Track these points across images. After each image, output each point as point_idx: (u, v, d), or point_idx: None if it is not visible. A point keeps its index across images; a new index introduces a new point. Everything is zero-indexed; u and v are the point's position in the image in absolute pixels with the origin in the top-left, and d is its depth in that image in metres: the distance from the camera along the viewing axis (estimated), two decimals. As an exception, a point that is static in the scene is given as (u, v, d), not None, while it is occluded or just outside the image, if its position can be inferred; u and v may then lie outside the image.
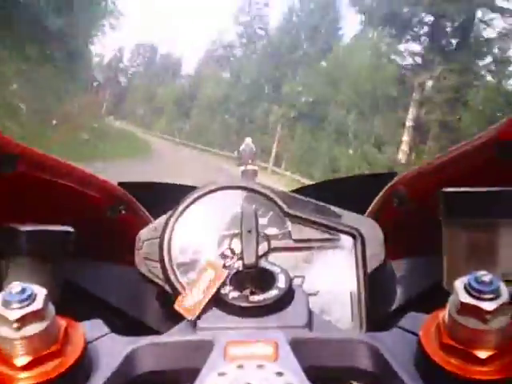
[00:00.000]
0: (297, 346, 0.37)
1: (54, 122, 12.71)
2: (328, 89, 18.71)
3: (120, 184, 0.71)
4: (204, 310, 0.42)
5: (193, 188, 0.67)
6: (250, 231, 0.49)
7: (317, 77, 19.79)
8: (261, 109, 22.84)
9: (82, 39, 17.17)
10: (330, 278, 0.60)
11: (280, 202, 0.63)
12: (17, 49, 12.96)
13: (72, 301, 0.45)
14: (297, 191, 0.75)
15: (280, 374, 0.32)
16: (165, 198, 0.68)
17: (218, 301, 0.42)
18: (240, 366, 0.33)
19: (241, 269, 0.46)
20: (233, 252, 0.50)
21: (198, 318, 0.41)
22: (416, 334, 0.36)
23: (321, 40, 23.74)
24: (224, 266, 0.46)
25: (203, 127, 27.49)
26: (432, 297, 0.44)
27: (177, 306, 0.43)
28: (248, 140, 12.67)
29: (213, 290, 0.43)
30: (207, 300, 0.42)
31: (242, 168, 11.15)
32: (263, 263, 0.47)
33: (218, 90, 26.67)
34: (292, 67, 22.69)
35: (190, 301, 0.42)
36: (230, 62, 33.42)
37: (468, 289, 0.33)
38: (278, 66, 23.44)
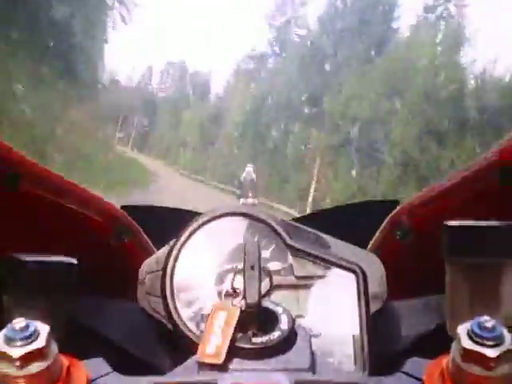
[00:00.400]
0: None
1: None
2: (384, 101, 13.47)
3: (123, 207, 0.75)
4: (229, 351, 0.44)
5: (195, 213, 0.71)
6: (252, 267, 0.50)
7: (367, 84, 14.90)
8: (295, 134, 18.65)
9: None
10: (332, 318, 0.62)
11: (283, 233, 0.66)
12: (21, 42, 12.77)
13: (74, 337, 0.47)
14: (299, 219, 0.79)
15: None
16: (167, 222, 0.70)
17: None
18: None
19: (243, 308, 0.48)
20: (235, 291, 0.52)
21: (226, 360, 0.43)
22: (420, 379, 0.39)
23: (372, 36, 18.79)
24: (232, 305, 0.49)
25: (225, 161, 24.48)
26: (437, 338, 0.46)
27: (200, 358, 0.43)
28: (249, 168, 10.60)
29: (231, 330, 0.45)
30: (228, 341, 0.44)
31: (242, 201, 8.61)
32: (266, 303, 0.50)
33: (242, 115, 23.87)
34: (335, 74, 18.22)
35: (212, 348, 0.44)
36: (260, 77, 30.88)
37: (471, 335, 0.35)
38: (319, 73, 19.28)
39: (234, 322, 0.46)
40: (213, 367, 0.43)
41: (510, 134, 0.53)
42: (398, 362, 0.43)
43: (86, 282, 0.54)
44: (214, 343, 0.44)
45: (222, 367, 0.43)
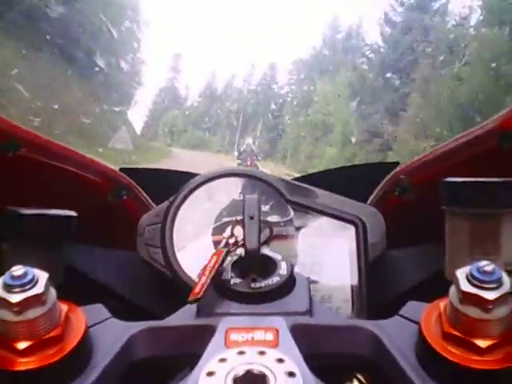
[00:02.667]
0: (297, 332, 0.40)
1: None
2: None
3: (121, 170, 0.75)
4: (206, 290, 0.44)
5: (195, 175, 0.70)
6: (252, 217, 0.50)
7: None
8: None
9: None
10: (332, 267, 0.63)
11: (282, 190, 0.67)
12: (17, 35, 13.45)
13: (73, 285, 0.48)
14: (299, 179, 0.79)
15: (280, 360, 0.34)
16: (166, 184, 0.71)
17: (219, 286, 0.46)
18: (241, 353, 0.35)
19: (243, 255, 0.49)
20: (235, 239, 0.52)
21: (199, 300, 0.43)
22: (417, 323, 0.39)
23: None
24: (227, 253, 0.49)
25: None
26: (433, 285, 0.47)
27: (190, 299, 0.44)
28: (249, 140, 13.06)
29: (215, 268, 0.46)
30: (209, 280, 0.45)
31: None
32: (265, 250, 0.50)
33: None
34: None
35: (198, 287, 0.44)
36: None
37: (470, 278, 0.35)
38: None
39: (219, 261, 0.46)
40: (211, 312, 0.43)
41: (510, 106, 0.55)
42: (396, 307, 0.43)
43: (86, 235, 0.55)
44: (201, 283, 0.45)
45: (220, 311, 0.43)
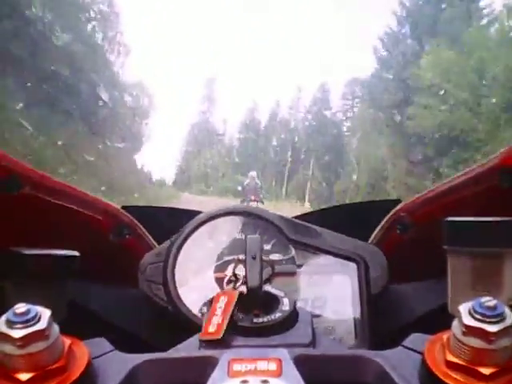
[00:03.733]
0: (301, 362, 0.40)
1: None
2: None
3: (124, 208, 0.76)
4: (231, 330, 0.45)
5: (197, 213, 0.71)
6: (254, 257, 0.51)
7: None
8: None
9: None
10: (334, 301, 0.63)
11: (284, 229, 0.67)
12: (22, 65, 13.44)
13: (75, 320, 0.48)
14: (300, 217, 0.78)
15: None
16: (169, 222, 0.71)
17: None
18: (244, 382, 0.36)
19: (245, 292, 0.49)
20: (236, 277, 0.53)
21: (228, 338, 0.44)
22: (420, 353, 0.39)
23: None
24: (240, 295, 0.49)
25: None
26: (436, 319, 0.47)
27: (203, 337, 0.45)
28: (252, 174, 12.74)
29: (230, 310, 0.46)
30: (228, 319, 0.45)
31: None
32: (267, 288, 0.50)
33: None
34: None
35: (213, 326, 0.45)
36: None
37: (472, 313, 0.35)
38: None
39: (233, 303, 0.46)
40: (214, 344, 0.43)
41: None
42: (399, 340, 0.43)
43: (87, 273, 0.55)
44: (214, 323, 0.45)
45: (224, 344, 0.43)
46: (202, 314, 0.52)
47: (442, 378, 0.35)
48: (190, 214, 0.71)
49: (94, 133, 17.59)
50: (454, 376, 0.35)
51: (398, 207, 0.72)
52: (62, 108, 15.45)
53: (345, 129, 40.72)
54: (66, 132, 14.31)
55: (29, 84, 13.94)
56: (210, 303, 0.48)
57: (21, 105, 12.57)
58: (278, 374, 0.37)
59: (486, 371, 0.34)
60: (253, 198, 11.70)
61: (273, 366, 0.38)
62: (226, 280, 0.53)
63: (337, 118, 41.37)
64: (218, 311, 0.46)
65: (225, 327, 0.44)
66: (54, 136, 13.43)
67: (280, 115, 46.36)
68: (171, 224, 0.71)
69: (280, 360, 0.39)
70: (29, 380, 0.34)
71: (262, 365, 0.38)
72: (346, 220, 0.81)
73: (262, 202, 11.58)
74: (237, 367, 0.38)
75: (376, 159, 22.35)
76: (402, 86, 21.22)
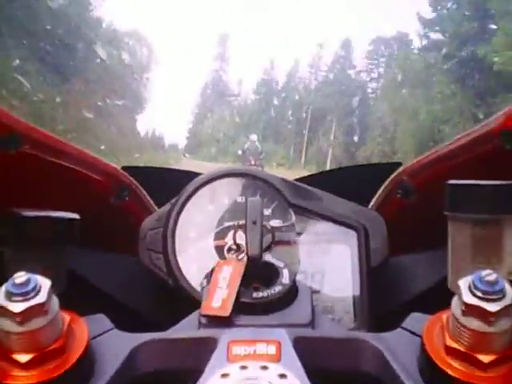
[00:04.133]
0: (300, 345, 0.40)
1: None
2: None
3: (124, 168, 0.75)
4: (236, 305, 0.44)
5: (197, 174, 0.70)
6: (254, 223, 0.50)
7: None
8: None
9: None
10: (334, 275, 0.63)
11: (285, 192, 0.66)
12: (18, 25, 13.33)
13: (74, 291, 0.47)
14: (301, 180, 0.77)
15: (283, 376, 0.35)
16: (169, 183, 0.71)
17: None
18: (243, 367, 0.35)
19: (245, 262, 0.48)
20: (237, 245, 0.53)
21: (232, 313, 0.43)
22: (419, 336, 0.39)
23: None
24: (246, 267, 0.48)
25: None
26: (437, 293, 0.47)
27: (205, 311, 0.44)
28: (253, 137, 12.22)
29: (237, 284, 0.45)
30: (235, 294, 0.44)
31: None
32: (267, 257, 0.50)
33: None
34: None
35: (217, 301, 0.44)
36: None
37: (472, 289, 0.35)
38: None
39: (239, 276, 0.46)
40: (213, 324, 0.43)
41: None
42: (399, 318, 0.43)
43: (87, 238, 0.54)
44: (219, 296, 0.44)
45: (223, 323, 0.43)
46: (203, 288, 0.51)
47: (440, 366, 0.35)
48: (190, 175, 0.70)
49: (93, 90, 17.38)
50: (453, 364, 0.35)
51: (400, 170, 0.71)
52: (59, 65, 15.24)
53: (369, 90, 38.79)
54: (64, 89, 14.15)
55: (24, 42, 13.71)
56: (211, 275, 0.48)
57: (17, 61, 12.35)
58: (277, 358, 0.37)
59: (485, 359, 0.34)
60: (253, 162, 11.41)
61: (272, 350, 0.38)
62: (226, 248, 0.52)
63: (361, 78, 39.14)
64: (222, 283, 0.45)
65: (232, 303, 0.43)
66: (52, 93, 13.29)
67: (299, 75, 43.64)
68: (171, 185, 0.70)
69: (279, 343, 0.39)
70: (27, 362, 0.34)
71: (261, 348, 0.38)
72: (347, 183, 0.80)
73: (262, 167, 11.33)
74: (236, 350, 0.38)
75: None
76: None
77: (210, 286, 0.46)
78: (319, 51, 41.57)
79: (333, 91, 36.91)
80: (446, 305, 0.37)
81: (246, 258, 0.48)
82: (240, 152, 12.50)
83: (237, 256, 0.50)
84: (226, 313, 0.43)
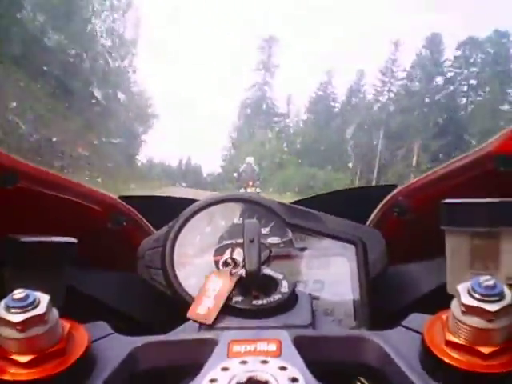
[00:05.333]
0: (300, 343, 0.40)
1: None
2: None
3: (121, 197, 0.76)
4: (229, 312, 0.45)
5: (193, 201, 0.71)
6: (252, 240, 0.50)
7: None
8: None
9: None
10: (333, 284, 0.63)
11: (281, 213, 0.67)
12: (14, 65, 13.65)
13: (74, 305, 0.48)
14: (297, 203, 0.78)
15: (283, 368, 0.34)
16: (166, 210, 0.71)
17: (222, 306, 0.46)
18: (243, 362, 0.35)
19: (243, 276, 0.49)
20: (234, 260, 0.52)
21: (215, 322, 0.44)
22: (420, 333, 0.39)
23: None
24: (230, 274, 0.49)
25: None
26: (435, 299, 0.48)
27: (191, 315, 0.45)
28: (249, 159, 11.80)
29: (224, 297, 0.46)
30: (221, 305, 0.45)
31: (242, 191, 10.14)
32: (266, 270, 0.50)
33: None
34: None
35: (203, 308, 0.45)
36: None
37: (471, 292, 0.35)
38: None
39: (229, 289, 0.46)
40: (213, 327, 0.43)
41: (506, 128, 0.55)
42: (399, 321, 0.43)
43: (86, 260, 0.55)
44: (206, 305, 0.45)
45: (222, 326, 0.43)
46: None
47: (441, 357, 0.35)
48: (187, 203, 0.71)
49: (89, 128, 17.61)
50: (454, 355, 0.35)
51: (395, 191, 0.72)
52: (57, 105, 15.46)
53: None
54: (61, 128, 14.33)
55: (21, 84, 13.92)
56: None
57: (14, 104, 12.52)
58: (278, 354, 0.37)
59: (485, 350, 0.34)
60: (250, 183, 10.99)
61: (272, 347, 0.38)
62: (221, 261, 0.51)
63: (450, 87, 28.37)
64: (211, 293, 0.46)
65: (216, 313, 0.44)
66: (49, 133, 13.44)
67: (365, 87, 33.67)
68: (168, 212, 0.71)
69: (279, 341, 0.39)
70: (28, 362, 0.34)
71: (261, 346, 0.38)
72: (344, 204, 0.80)
73: (259, 189, 11.01)
74: (236, 348, 0.38)
75: None
76: None
77: (199, 294, 0.47)
78: (393, 52, 31.57)
79: (413, 104, 28.53)
80: (445, 308, 0.38)
81: (243, 272, 0.48)
82: (235, 175, 11.93)
83: (232, 270, 0.50)
84: (209, 321, 0.44)
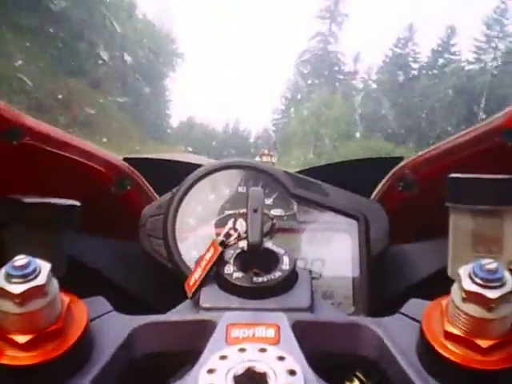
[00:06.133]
0: (298, 329, 0.39)
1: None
2: None
3: (125, 159, 0.75)
4: (200, 287, 0.45)
5: (198, 166, 0.70)
6: (255, 211, 0.49)
7: None
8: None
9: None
10: (334, 262, 0.63)
11: (287, 183, 0.66)
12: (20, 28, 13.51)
13: (74, 275, 0.47)
14: (303, 172, 0.77)
15: (281, 358, 0.34)
16: (170, 174, 0.70)
17: (221, 281, 0.45)
18: (241, 350, 0.35)
19: (245, 249, 0.48)
20: (236, 231, 0.51)
21: (194, 294, 0.45)
22: (418, 321, 0.39)
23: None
24: (227, 245, 0.49)
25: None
26: (436, 282, 0.48)
27: (186, 287, 0.46)
28: (267, 127, 12.13)
29: (208, 267, 0.46)
30: (203, 276, 0.45)
31: (257, 159, 8.85)
32: (268, 244, 0.49)
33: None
34: None
35: (193, 279, 0.46)
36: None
37: (472, 277, 0.34)
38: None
39: (213, 260, 0.46)
40: (212, 307, 0.43)
41: None
42: (398, 305, 0.43)
43: (88, 225, 0.55)
44: (195, 276, 0.45)
45: (222, 306, 0.43)
46: None
47: (439, 350, 0.35)
48: (192, 167, 0.70)
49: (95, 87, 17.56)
50: (452, 348, 0.35)
51: (401, 164, 0.71)
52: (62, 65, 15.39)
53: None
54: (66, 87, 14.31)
55: (28, 44, 13.84)
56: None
57: (20, 62, 12.45)
58: (276, 341, 0.37)
59: (483, 344, 0.34)
60: (266, 151, 10.67)
61: (271, 333, 0.38)
62: (223, 233, 0.51)
63: None
64: (203, 263, 0.46)
65: (197, 285, 0.44)
66: (55, 91, 13.44)
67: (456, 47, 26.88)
68: (172, 176, 0.70)
69: (278, 326, 0.39)
70: (26, 343, 0.34)
71: (259, 331, 0.38)
72: (350, 175, 0.80)
73: (274, 158, 10.60)
74: (235, 333, 0.38)
75: None
76: None
77: (195, 264, 0.47)
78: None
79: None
80: (445, 292, 0.37)
81: (245, 244, 0.48)
82: (251, 140, 11.71)
83: (235, 242, 0.49)
84: (189, 293, 0.44)
